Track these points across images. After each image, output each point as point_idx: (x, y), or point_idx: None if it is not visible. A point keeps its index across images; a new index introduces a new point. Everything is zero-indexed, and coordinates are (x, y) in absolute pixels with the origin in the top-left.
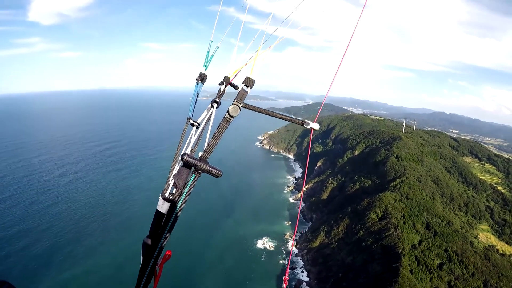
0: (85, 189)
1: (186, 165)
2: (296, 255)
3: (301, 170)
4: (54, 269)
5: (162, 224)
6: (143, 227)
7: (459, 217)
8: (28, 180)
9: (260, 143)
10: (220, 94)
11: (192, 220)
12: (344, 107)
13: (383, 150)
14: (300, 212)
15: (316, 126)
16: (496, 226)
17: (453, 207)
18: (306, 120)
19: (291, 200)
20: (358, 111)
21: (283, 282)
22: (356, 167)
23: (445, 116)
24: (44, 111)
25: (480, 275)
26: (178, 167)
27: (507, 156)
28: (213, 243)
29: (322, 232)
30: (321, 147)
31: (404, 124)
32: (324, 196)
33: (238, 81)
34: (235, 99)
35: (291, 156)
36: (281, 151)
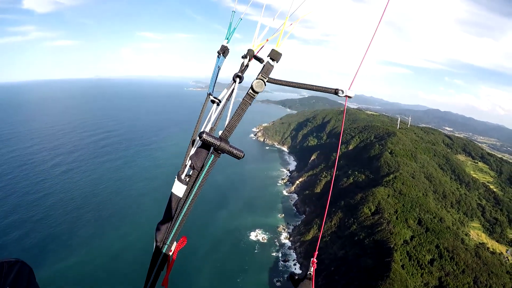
0: (79, 180)
1: (205, 144)
2: (289, 248)
3: (295, 163)
4: (48, 259)
5: (177, 208)
6: (137, 217)
7: (451, 214)
8: (22, 170)
9: (255, 135)
10: (243, 68)
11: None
12: (339, 101)
13: (377, 145)
14: (293, 205)
15: (351, 93)
16: (487, 224)
17: (445, 204)
18: (340, 88)
19: (284, 192)
20: (353, 105)
21: (311, 264)
22: (350, 161)
23: (440, 114)
24: (38, 100)
25: (470, 272)
26: (196, 146)
27: (500, 156)
28: (207, 234)
29: (315, 226)
30: (316, 141)
31: (399, 120)
32: (318, 190)
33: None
34: (259, 73)
35: (285, 148)
36: (275, 144)
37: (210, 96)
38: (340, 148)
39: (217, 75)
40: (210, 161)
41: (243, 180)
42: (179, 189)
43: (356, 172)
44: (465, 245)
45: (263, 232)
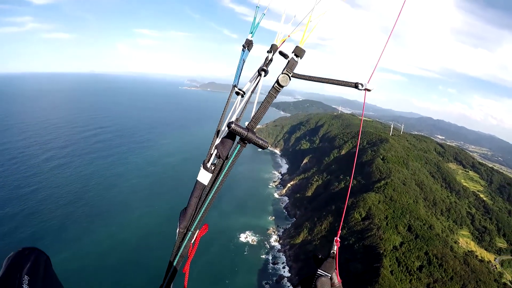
0: (71, 175)
1: (230, 134)
2: (279, 251)
3: (286, 166)
4: None
5: (201, 195)
6: (127, 215)
7: (440, 222)
8: (13, 163)
9: None
10: (267, 62)
11: (177, 209)
12: (333, 106)
13: (369, 151)
14: (284, 208)
15: (371, 86)
16: (477, 232)
17: (435, 212)
18: (359, 82)
19: (275, 195)
20: (347, 110)
21: (335, 243)
22: (342, 166)
23: (432, 122)
24: (31, 92)
25: (458, 279)
26: (222, 136)
27: (491, 165)
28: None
29: (305, 229)
30: (308, 144)
31: (392, 126)
32: (309, 193)
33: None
34: (284, 68)
35: (277, 151)
36: (268, 147)
37: (235, 87)
38: (332, 153)
39: (241, 68)
40: (236, 151)
41: (234, 181)
42: (204, 177)
43: (348, 177)
44: (454, 253)
45: (253, 234)
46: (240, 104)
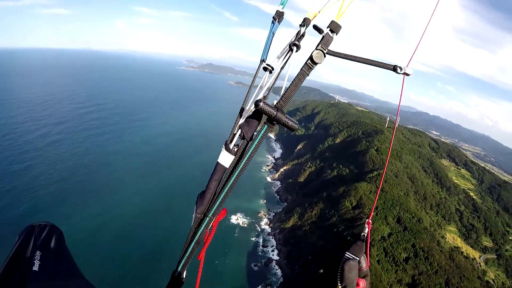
0: (65, 152)
1: (258, 113)
2: (269, 234)
3: (280, 151)
4: None
5: (222, 179)
6: (121, 192)
7: (429, 216)
8: (7, 139)
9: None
10: (299, 37)
11: (171, 189)
12: (331, 94)
13: (364, 142)
14: (276, 192)
15: (410, 71)
16: (464, 229)
17: (425, 206)
18: (398, 65)
19: (268, 179)
20: (344, 99)
21: (366, 225)
22: (336, 154)
23: (428, 117)
24: (27, 68)
25: (443, 273)
26: (247, 115)
27: (483, 165)
28: (190, 213)
29: (295, 214)
30: (303, 130)
31: (388, 119)
32: (301, 179)
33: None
34: (318, 44)
35: (272, 135)
36: None
37: (263, 63)
38: (327, 141)
39: (271, 42)
40: (262, 132)
41: None
42: (226, 159)
43: (341, 166)
44: (441, 247)
45: (244, 217)
46: (268, 81)
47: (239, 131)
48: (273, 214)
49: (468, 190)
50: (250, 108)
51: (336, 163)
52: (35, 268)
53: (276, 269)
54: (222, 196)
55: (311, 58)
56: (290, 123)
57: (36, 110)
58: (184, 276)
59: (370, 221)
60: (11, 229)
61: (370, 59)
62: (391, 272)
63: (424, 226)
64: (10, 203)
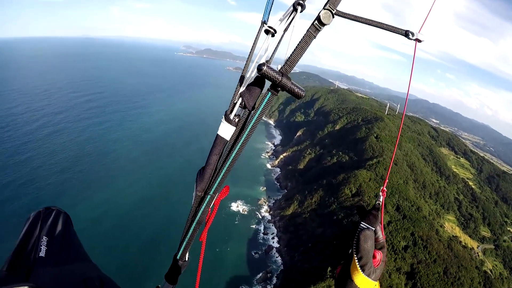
0: (65, 141)
1: (260, 80)
2: (269, 221)
3: (280, 137)
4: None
5: (222, 152)
6: (122, 181)
7: (428, 205)
8: (6, 131)
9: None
10: None
11: (171, 175)
12: (330, 80)
13: (364, 128)
14: (276, 179)
15: (422, 37)
16: (462, 219)
17: (424, 194)
18: (410, 30)
19: (268, 166)
20: (343, 85)
21: (381, 192)
22: (336, 141)
23: (428, 105)
24: (22, 57)
25: (441, 262)
26: (247, 82)
27: (482, 154)
28: (190, 200)
29: (295, 201)
30: (303, 117)
31: (387, 106)
32: (301, 166)
33: None
34: (326, 3)
35: (271, 122)
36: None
37: (264, 25)
38: (326, 127)
39: (272, 2)
40: (266, 99)
41: None
42: (226, 131)
43: (340, 153)
44: (439, 236)
45: (244, 204)
46: (270, 45)
47: (240, 100)
48: (273, 201)
49: (467, 180)
50: (251, 74)
51: (335, 150)
52: (42, 254)
53: (277, 257)
54: (223, 171)
55: (318, 18)
56: (296, 89)
57: (34, 100)
58: (186, 259)
59: (385, 188)
60: (13, 220)
61: (381, 22)
62: (390, 261)
63: (423, 215)
64: (12, 195)
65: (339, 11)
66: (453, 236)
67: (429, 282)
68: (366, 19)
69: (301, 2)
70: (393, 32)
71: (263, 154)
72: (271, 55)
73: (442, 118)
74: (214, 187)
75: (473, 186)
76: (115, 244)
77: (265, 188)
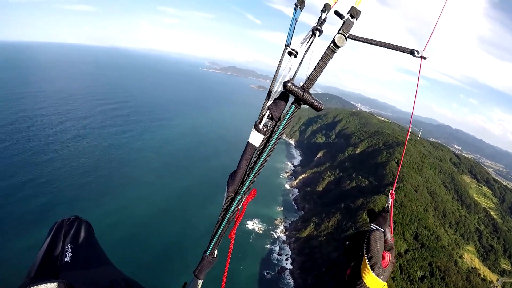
0: (87, 147)
1: (285, 95)
2: (284, 242)
3: (300, 158)
4: (47, 224)
5: (252, 158)
6: (139, 190)
7: (448, 234)
8: (31, 130)
9: None
10: (320, 22)
11: (189, 188)
12: (352, 102)
13: (384, 153)
14: (293, 200)
15: (427, 54)
16: (482, 250)
17: (444, 223)
18: (415, 49)
19: (286, 186)
20: (365, 108)
21: (390, 195)
22: (356, 164)
23: (450, 130)
24: (52, 62)
25: None
26: (274, 97)
27: (505, 183)
28: (206, 215)
29: (312, 224)
30: (324, 138)
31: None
32: (320, 188)
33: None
34: (340, 28)
35: (292, 142)
36: (283, 136)
37: (287, 47)
38: (347, 150)
39: (294, 27)
40: (290, 112)
41: None
42: (256, 138)
43: (360, 177)
44: (458, 267)
45: (260, 223)
46: (293, 64)
47: (268, 112)
48: (290, 222)
49: (488, 209)
50: (277, 89)
51: (355, 174)
52: (67, 259)
53: (289, 279)
54: (252, 174)
55: (333, 42)
56: (316, 103)
57: (60, 104)
58: (215, 255)
59: (393, 191)
60: (31, 218)
61: (387, 43)
62: None
63: (442, 244)
64: (31, 193)
65: (352, 35)
66: (472, 268)
67: None
68: (375, 40)
69: (318, 27)
70: (399, 51)
71: (282, 174)
72: (294, 73)
73: (465, 144)
74: (244, 188)
75: (494, 216)
76: (127, 253)
77: (282, 208)
